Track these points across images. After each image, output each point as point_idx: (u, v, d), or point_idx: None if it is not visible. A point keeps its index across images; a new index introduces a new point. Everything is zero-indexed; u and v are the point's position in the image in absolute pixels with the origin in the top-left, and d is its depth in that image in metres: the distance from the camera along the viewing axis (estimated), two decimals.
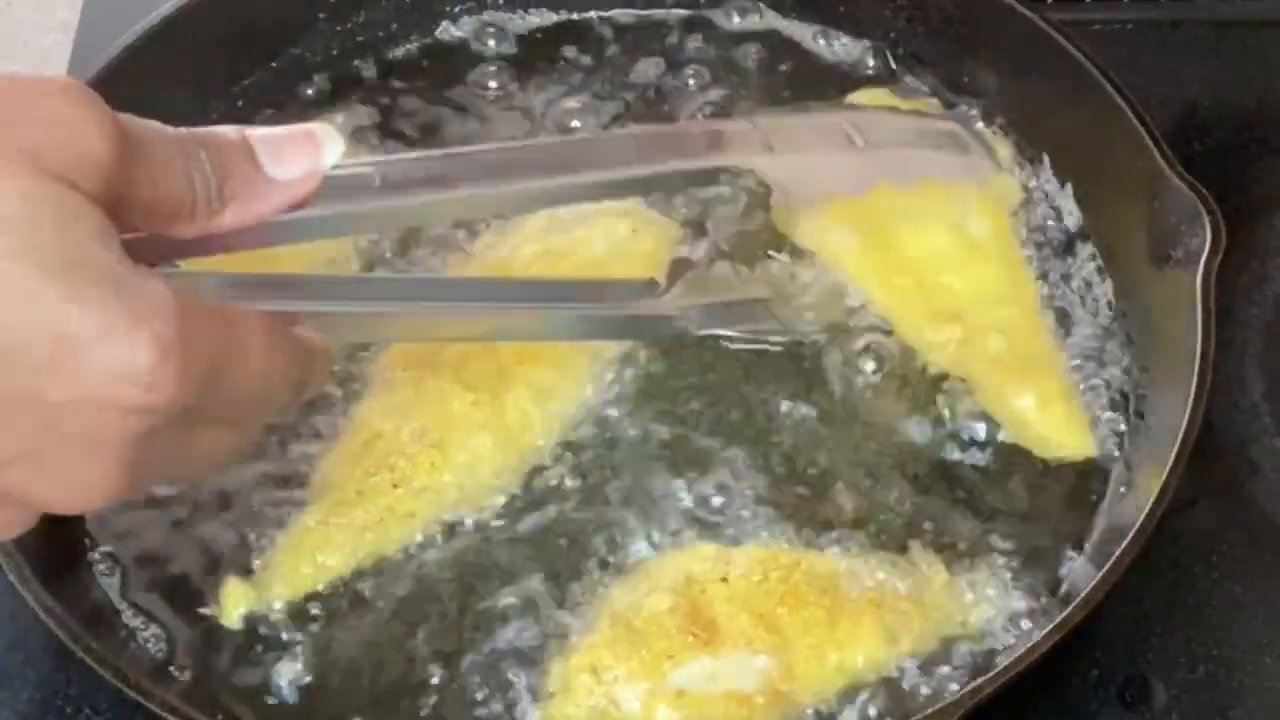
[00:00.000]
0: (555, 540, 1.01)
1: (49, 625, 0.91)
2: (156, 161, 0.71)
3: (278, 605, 0.98)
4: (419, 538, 1.01)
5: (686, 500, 1.02)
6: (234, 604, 0.98)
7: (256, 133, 0.78)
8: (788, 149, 1.02)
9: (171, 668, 0.97)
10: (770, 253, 1.11)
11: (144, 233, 0.73)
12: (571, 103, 1.21)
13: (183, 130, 0.74)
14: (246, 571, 0.99)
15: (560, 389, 1.05)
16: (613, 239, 1.10)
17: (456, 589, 0.99)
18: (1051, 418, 1.04)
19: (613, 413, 1.05)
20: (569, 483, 1.03)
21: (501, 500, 1.02)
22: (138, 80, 1.11)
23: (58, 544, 1.00)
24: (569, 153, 0.96)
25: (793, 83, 1.22)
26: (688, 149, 0.99)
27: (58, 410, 0.66)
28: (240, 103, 1.19)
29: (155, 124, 0.73)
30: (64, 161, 0.66)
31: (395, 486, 1.00)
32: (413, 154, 0.98)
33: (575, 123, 1.19)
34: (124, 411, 0.66)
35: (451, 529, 1.01)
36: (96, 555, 1.00)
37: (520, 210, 1.06)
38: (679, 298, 0.98)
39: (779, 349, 1.06)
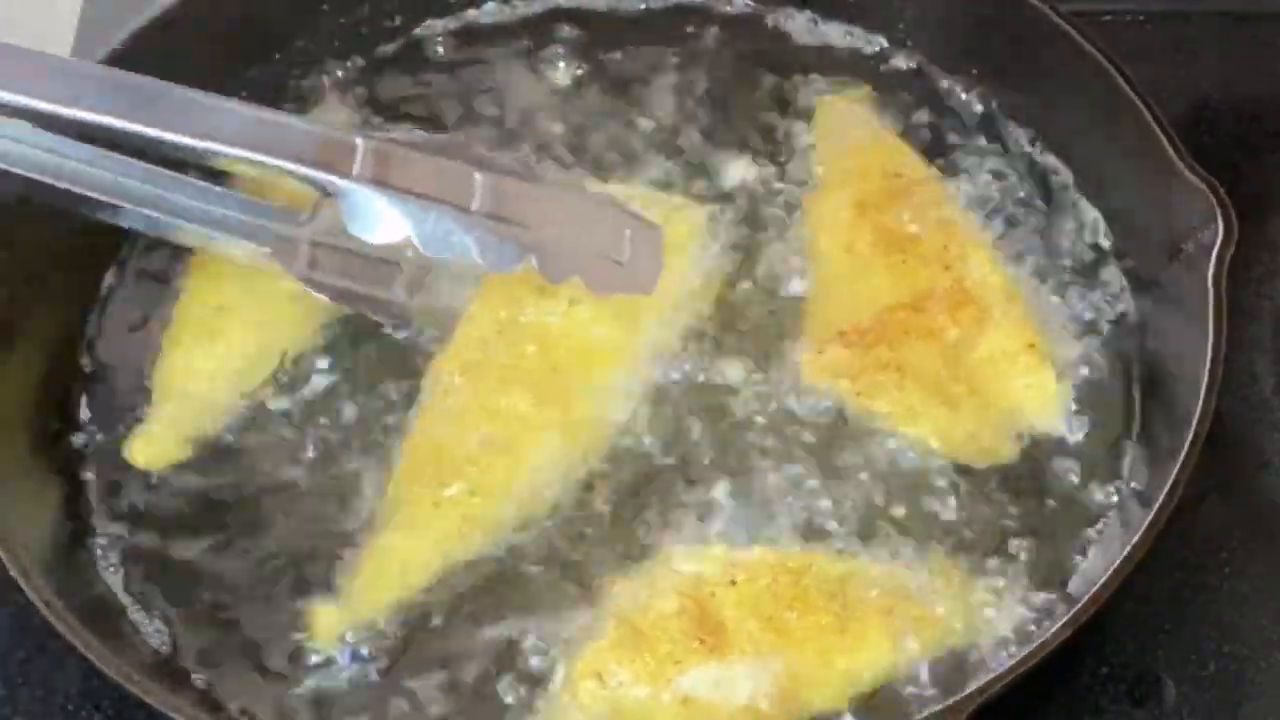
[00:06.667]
0: (628, 532, 1.00)
1: (50, 621, 0.90)
2: None
3: (371, 623, 0.96)
4: (498, 541, 0.99)
5: (721, 499, 1.01)
6: (326, 626, 0.96)
7: None
8: (402, 183, 0.99)
9: (174, 664, 0.96)
10: None
11: None
12: (563, 97, 1.19)
13: None
14: (322, 589, 0.98)
15: (620, 383, 1.04)
16: None
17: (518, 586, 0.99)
18: (1015, 373, 1.03)
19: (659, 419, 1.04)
20: (624, 474, 1.02)
21: (571, 496, 1.01)
22: (140, 71, 1.10)
23: (60, 539, 1.00)
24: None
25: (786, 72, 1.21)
26: (292, 147, 0.99)
27: None
28: (243, 94, 1.19)
29: None
30: None
31: (473, 495, 0.99)
32: None
33: (568, 111, 1.18)
34: None
35: (526, 527, 1.00)
36: (100, 551, 1.00)
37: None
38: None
39: None
